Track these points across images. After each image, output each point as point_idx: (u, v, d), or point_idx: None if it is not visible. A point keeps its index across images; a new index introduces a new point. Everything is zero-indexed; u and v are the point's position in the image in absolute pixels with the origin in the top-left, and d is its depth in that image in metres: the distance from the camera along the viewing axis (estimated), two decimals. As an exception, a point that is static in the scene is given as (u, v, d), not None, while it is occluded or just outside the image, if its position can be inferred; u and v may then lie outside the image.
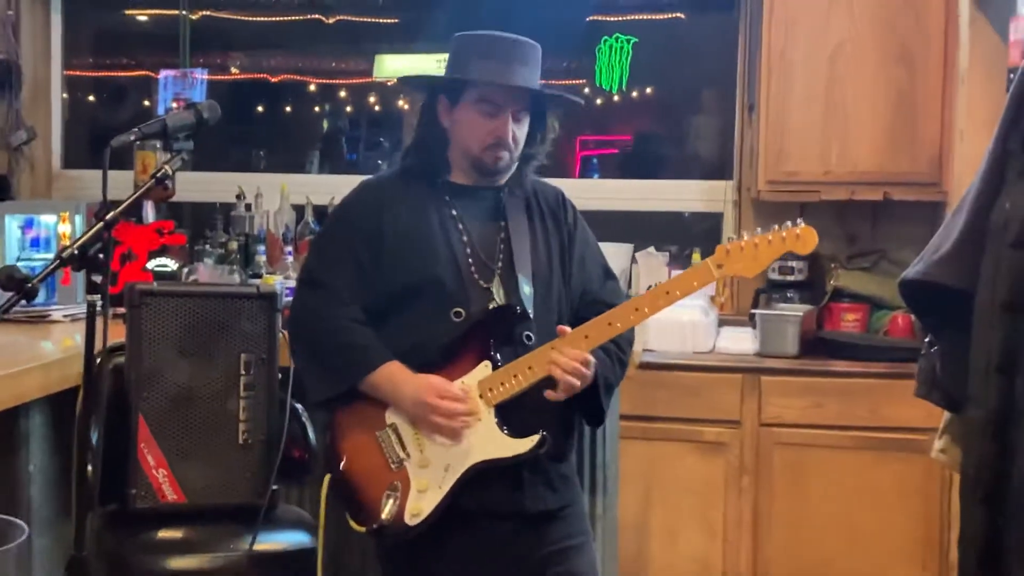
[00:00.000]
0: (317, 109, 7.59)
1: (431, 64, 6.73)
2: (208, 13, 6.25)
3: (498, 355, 2.77)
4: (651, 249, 4.99)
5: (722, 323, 4.85)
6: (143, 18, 6.60)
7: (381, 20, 6.76)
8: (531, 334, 2.82)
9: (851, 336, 4.60)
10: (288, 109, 7.73)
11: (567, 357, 2.71)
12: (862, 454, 4.40)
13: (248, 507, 3.10)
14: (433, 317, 2.82)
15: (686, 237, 5.38)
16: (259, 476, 3.12)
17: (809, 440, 4.42)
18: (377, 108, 7.38)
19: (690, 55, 6.28)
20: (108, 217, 2.32)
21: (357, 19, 6.75)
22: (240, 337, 3.12)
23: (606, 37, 5.68)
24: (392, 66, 6.95)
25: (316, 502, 2.99)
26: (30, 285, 2.22)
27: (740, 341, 4.61)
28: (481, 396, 2.75)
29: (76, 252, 2.30)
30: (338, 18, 6.68)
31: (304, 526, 3.21)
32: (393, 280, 2.83)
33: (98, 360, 3.18)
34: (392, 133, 7.27)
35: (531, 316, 2.82)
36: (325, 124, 7.49)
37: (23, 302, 2.26)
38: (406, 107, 7.44)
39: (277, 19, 6.71)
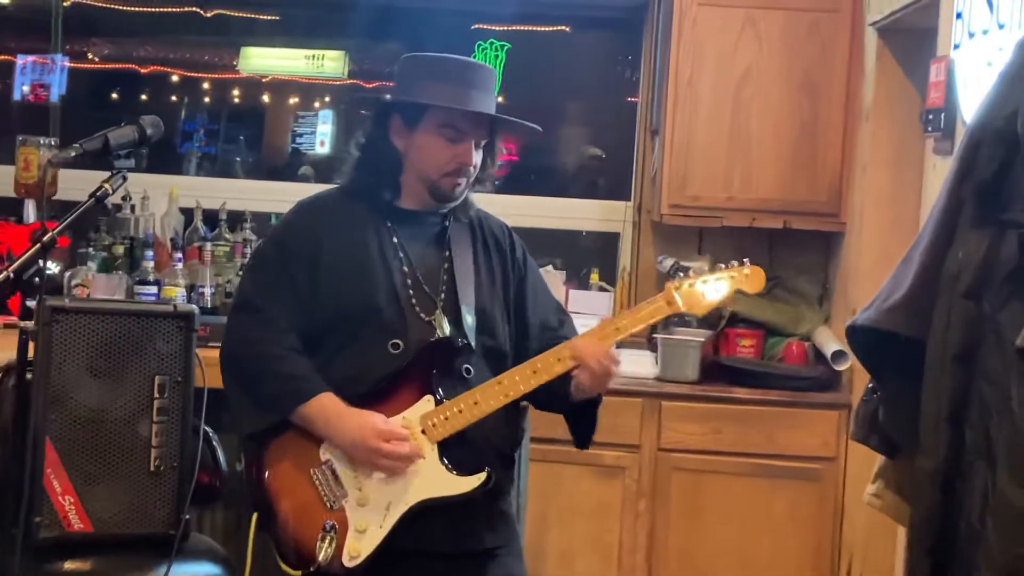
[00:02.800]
0: (174, 99, 7.39)
1: (299, 59, 6.62)
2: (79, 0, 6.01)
3: (440, 389, 2.69)
4: (550, 267, 4.95)
5: (619, 345, 4.80)
6: (4, 1, 6.31)
7: (261, 16, 6.60)
8: (470, 367, 2.75)
9: (748, 362, 4.62)
10: (150, 100, 7.50)
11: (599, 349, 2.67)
12: (757, 481, 4.42)
13: (158, 537, 2.96)
14: (370, 348, 2.72)
15: (580, 255, 5.35)
16: (170, 504, 2.98)
17: (706, 466, 4.43)
18: (236, 101, 7.21)
19: (572, 69, 6.28)
20: (45, 239, 2.17)
21: (235, 14, 6.56)
22: (154, 358, 2.97)
23: (480, 42, 5.62)
24: (258, 59, 6.80)
25: (222, 529, 2.87)
26: (-37, 310, 2.06)
27: (640, 365, 4.58)
28: (424, 432, 2.66)
29: (11, 276, 2.14)
30: (216, 12, 6.48)
31: (215, 557, 3.09)
32: (328, 307, 2.72)
33: (-1, 378, 3.01)
34: (251, 128, 7.12)
35: (474, 348, 2.75)
36: (182, 115, 7.30)
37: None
38: (267, 100, 7.30)
39: (152, 9, 6.49)
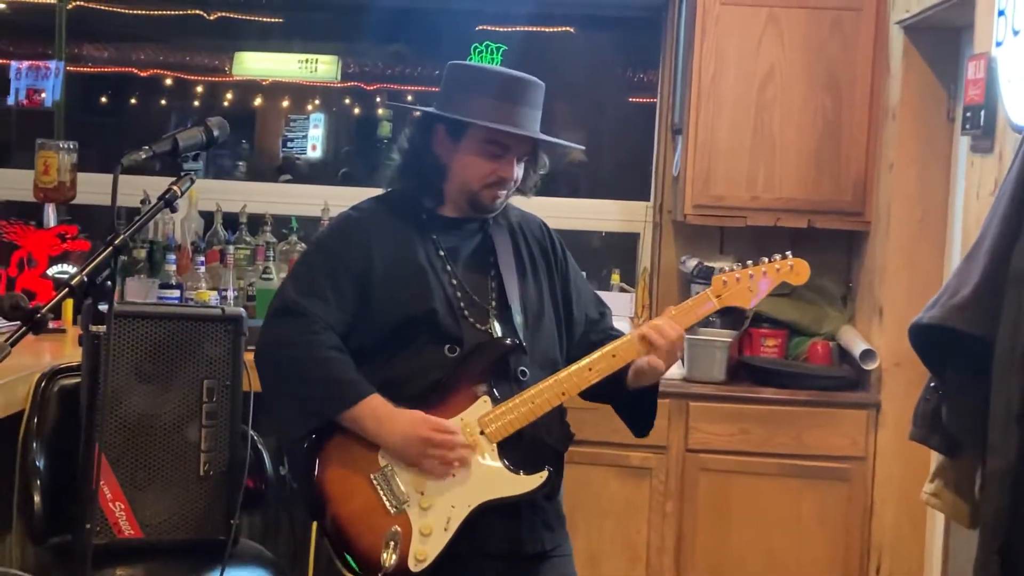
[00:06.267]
0: (174, 102, 7.38)
1: (292, 64, 6.62)
2: (81, 3, 5.97)
3: (495, 390, 2.68)
4: (571, 269, 4.92)
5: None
6: (2, 5, 6.29)
7: (264, 19, 6.59)
8: (526, 369, 2.75)
9: (776, 362, 4.60)
10: (149, 104, 7.49)
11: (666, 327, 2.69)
12: (786, 481, 4.40)
13: (208, 542, 2.93)
14: (427, 351, 2.72)
15: (598, 256, 5.34)
16: (220, 509, 2.96)
17: (734, 466, 4.41)
18: (235, 105, 7.20)
19: (578, 70, 6.28)
20: (117, 242, 2.13)
21: (239, 16, 6.54)
22: (203, 362, 2.96)
23: (476, 44, 5.60)
24: (251, 63, 6.80)
25: (261, 532, 2.83)
26: (39, 315, 2.02)
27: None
28: (483, 432, 2.65)
29: (85, 279, 2.10)
30: (219, 15, 6.46)
31: (264, 562, 3.06)
32: (385, 317, 2.72)
33: (43, 384, 2.99)
34: (244, 132, 7.12)
35: (525, 348, 2.74)
36: (173, 120, 7.32)
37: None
38: (259, 103, 7.29)
39: (155, 13, 6.47)
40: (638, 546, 4.44)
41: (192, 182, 2.29)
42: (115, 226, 2.15)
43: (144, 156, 2.22)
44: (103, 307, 2.15)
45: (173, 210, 2.24)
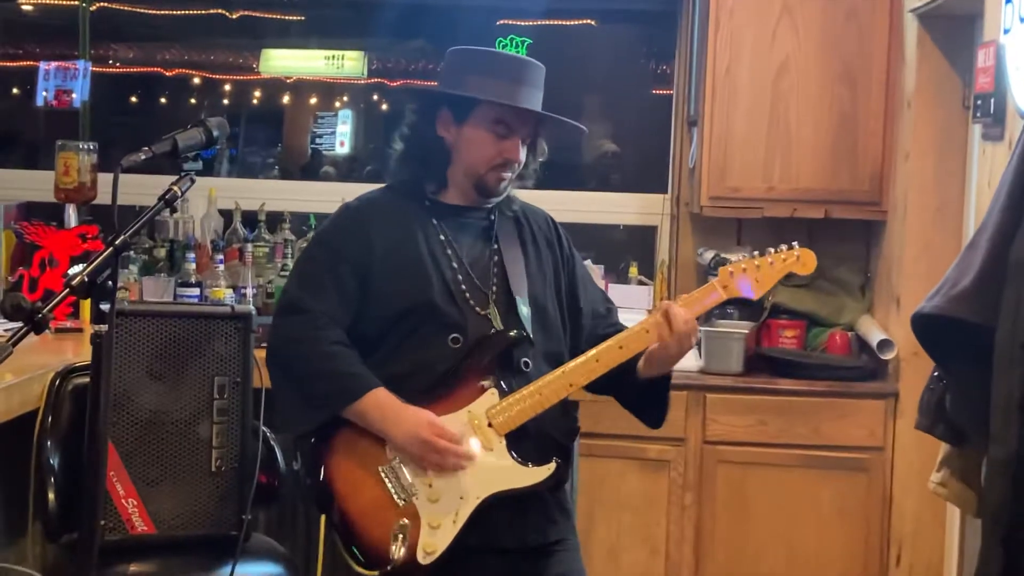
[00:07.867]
0: (200, 101, 7.41)
1: (319, 60, 6.64)
2: (105, 4, 6.02)
3: (502, 382, 2.70)
4: (588, 261, 4.93)
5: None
6: (29, 7, 6.35)
7: (286, 17, 6.62)
8: (529, 361, 2.76)
9: (793, 353, 4.59)
10: (174, 103, 7.53)
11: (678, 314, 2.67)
12: (804, 472, 4.40)
13: (220, 537, 2.97)
14: (430, 343, 2.74)
15: (615, 249, 5.34)
16: (231, 505, 2.99)
17: (752, 458, 4.41)
18: (259, 102, 7.23)
19: (598, 62, 6.28)
20: (118, 243, 2.17)
21: (261, 15, 6.58)
22: (213, 359, 3.00)
23: (500, 38, 5.61)
24: (278, 60, 6.83)
25: (276, 528, 2.86)
26: (40, 316, 2.05)
27: (684, 357, 4.56)
28: (490, 425, 2.67)
29: (86, 280, 2.13)
30: (241, 13, 6.50)
31: (277, 556, 3.09)
32: (385, 307, 2.74)
33: (57, 382, 3.03)
34: (272, 129, 7.14)
35: (532, 340, 2.76)
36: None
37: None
38: (287, 101, 7.31)
39: (178, 12, 6.51)
40: (657, 538, 4.45)
41: (192, 182, 2.32)
42: (116, 225, 2.18)
43: (144, 157, 2.25)
44: (105, 306, 2.17)
45: (173, 210, 2.27)
